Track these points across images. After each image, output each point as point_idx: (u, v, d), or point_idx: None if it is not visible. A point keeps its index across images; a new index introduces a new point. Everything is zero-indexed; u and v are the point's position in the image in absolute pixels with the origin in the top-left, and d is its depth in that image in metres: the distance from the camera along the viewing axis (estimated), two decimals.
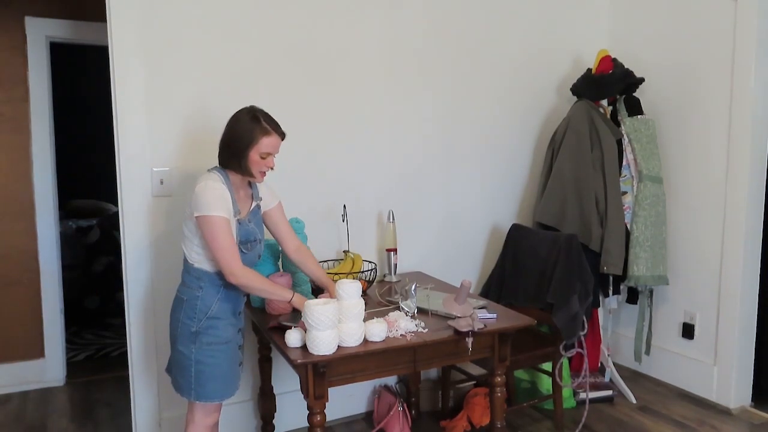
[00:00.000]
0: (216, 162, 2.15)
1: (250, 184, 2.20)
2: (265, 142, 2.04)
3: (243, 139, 2.02)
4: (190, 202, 2.04)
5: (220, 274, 2.06)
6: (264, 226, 2.26)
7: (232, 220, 2.03)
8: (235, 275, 1.99)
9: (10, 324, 3.52)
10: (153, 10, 2.55)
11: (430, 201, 3.25)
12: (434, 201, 3.26)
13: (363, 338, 2.05)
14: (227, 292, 2.10)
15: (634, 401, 3.23)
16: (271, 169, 2.11)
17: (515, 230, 3.17)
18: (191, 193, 2.04)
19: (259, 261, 2.22)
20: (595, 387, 3.27)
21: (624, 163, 3.22)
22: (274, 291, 2.11)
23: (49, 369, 3.59)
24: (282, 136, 2.09)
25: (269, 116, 2.09)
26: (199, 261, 2.07)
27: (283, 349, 2.03)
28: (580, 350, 2.88)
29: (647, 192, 3.17)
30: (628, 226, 3.19)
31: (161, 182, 2.62)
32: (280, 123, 2.82)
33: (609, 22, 3.72)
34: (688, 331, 3.33)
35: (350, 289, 2.02)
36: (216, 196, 1.98)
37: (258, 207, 2.21)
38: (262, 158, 2.05)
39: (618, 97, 3.31)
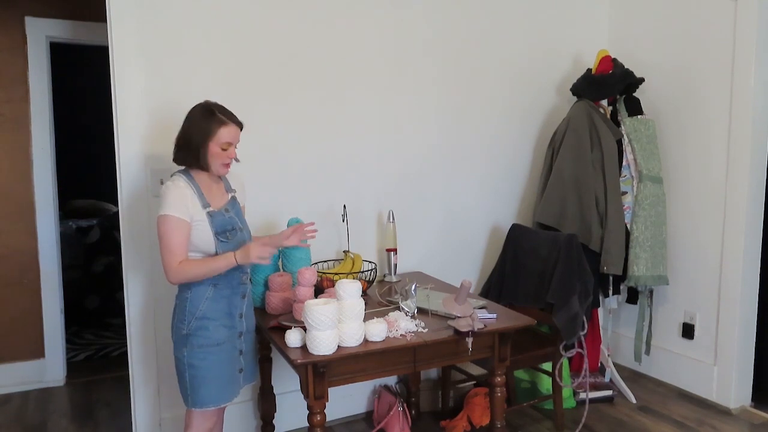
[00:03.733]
0: None
1: (220, 178, 2.18)
2: (224, 133, 2.02)
3: (201, 134, 2.00)
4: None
5: None
6: (244, 216, 2.24)
7: (200, 217, 2.01)
8: (171, 273, 1.97)
9: (10, 324, 3.52)
10: (153, 10, 2.55)
11: (430, 201, 3.25)
12: (434, 201, 3.26)
13: (363, 338, 2.05)
14: (217, 292, 2.07)
15: (634, 401, 3.23)
16: (236, 160, 2.09)
17: (515, 230, 3.17)
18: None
19: None
20: (595, 387, 3.27)
21: (624, 163, 3.22)
22: (217, 265, 2.00)
23: (49, 369, 3.59)
24: (239, 125, 2.07)
25: (224, 108, 2.08)
26: None
27: (283, 349, 2.03)
28: (580, 350, 2.88)
29: (647, 192, 3.17)
30: (628, 226, 3.19)
31: (161, 182, 2.62)
32: (280, 123, 2.84)
33: (609, 22, 3.72)
34: (688, 331, 3.33)
35: (350, 289, 2.02)
36: (175, 197, 1.97)
37: (234, 198, 2.20)
38: (223, 149, 2.03)
39: (618, 97, 3.31)
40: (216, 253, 2.04)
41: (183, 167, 2.10)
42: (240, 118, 2.77)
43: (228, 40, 2.70)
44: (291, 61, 2.84)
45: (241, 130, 2.09)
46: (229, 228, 2.08)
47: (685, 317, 3.35)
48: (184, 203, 1.98)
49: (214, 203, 2.09)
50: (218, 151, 2.02)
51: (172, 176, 2.08)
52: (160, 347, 2.69)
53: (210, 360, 2.05)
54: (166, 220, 1.96)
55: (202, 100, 2.12)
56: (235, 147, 2.08)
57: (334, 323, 1.96)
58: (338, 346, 1.99)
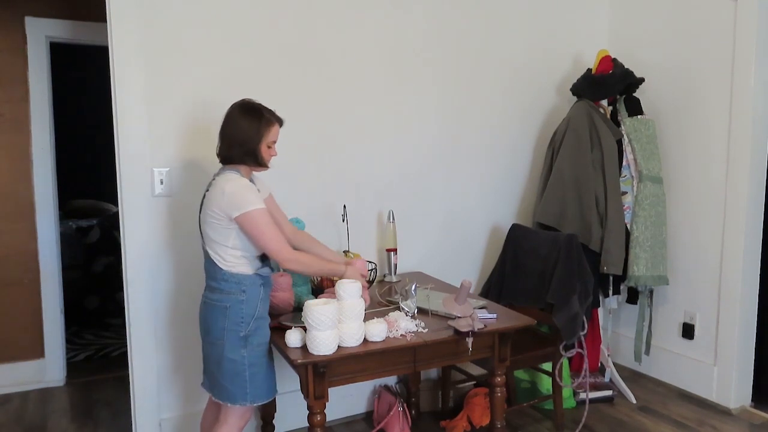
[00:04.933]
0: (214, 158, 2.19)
1: (252, 179, 2.23)
2: (272, 132, 2.12)
3: (255, 135, 2.08)
4: (216, 207, 2.02)
5: (259, 275, 2.09)
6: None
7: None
8: (288, 260, 2.05)
9: (10, 324, 3.52)
10: (153, 10, 2.55)
11: (430, 201, 3.25)
12: (434, 201, 3.26)
13: (363, 338, 2.05)
14: (265, 292, 2.13)
15: (634, 401, 3.23)
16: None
17: (515, 230, 3.17)
18: (220, 195, 2.02)
19: None
20: (595, 387, 3.27)
21: (624, 163, 3.22)
22: (328, 268, 2.17)
23: (49, 369, 3.59)
24: (281, 123, 2.17)
25: (266, 107, 2.16)
26: (236, 264, 2.06)
27: (283, 349, 2.03)
28: (580, 350, 2.88)
29: (647, 192, 3.17)
30: (628, 226, 3.19)
31: (161, 182, 2.62)
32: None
33: (609, 22, 3.72)
34: (688, 331, 3.33)
35: (350, 289, 2.02)
36: (251, 192, 2.03)
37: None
38: (269, 147, 2.13)
39: (618, 97, 3.31)
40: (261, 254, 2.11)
41: (230, 165, 2.12)
42: None
43: (228, 40, 2.70)
44: (291, 62, 2.84)
45: (281, 127, 2.19)
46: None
47: (685, 317, 3.35)
48: (258, 196, 2.04)
49: None
50: (266, 149, 2.12)
51: (224, 174, 2.08)
52: (160, 347, 2.69)
53: (268, 356, 2.14)
54: (256, 215, 2.00)
55: (240, 100, 2.17)
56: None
57: (334, 323, 1.97)
58: (338, 346, 1.99)
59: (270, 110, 2.14)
